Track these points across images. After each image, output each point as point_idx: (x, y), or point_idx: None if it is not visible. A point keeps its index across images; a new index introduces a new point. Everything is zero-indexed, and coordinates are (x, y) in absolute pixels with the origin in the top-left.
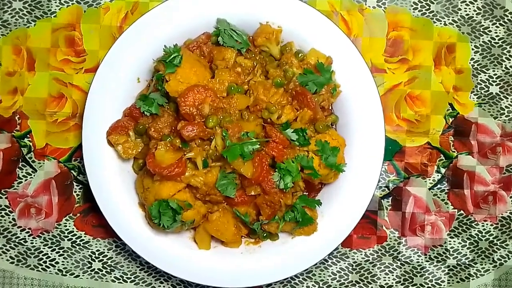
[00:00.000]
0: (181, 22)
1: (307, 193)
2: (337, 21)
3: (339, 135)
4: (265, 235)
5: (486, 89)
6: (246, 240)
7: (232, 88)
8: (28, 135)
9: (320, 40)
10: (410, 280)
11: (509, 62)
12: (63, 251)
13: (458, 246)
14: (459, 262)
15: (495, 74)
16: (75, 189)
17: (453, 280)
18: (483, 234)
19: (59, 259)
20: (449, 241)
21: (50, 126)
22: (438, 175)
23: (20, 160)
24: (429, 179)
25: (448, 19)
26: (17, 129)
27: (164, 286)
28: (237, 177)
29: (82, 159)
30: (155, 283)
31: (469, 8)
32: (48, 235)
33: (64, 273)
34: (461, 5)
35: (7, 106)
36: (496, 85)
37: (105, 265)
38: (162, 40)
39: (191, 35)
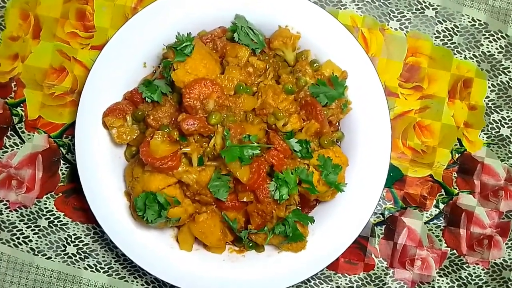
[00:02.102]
0: (198, 12)
1: (300, 208)
2: (356, 37)
3: (343, 153)
4: (251, 245)
5: (497, 130)
6: (230, 248)
7: (241, 87)
8: (21, 104)
9: (338, 53)
10: None
11: None
12: (38, 230)
13: (445, 286)
14: None
15: (508, 116)
16: (62, 167)
17: None
18: (473, 277)
19: (33, 237)
20: (438, 279)
21: (46, 99)
22: (436, 210)
23: (9, 129)
24: (426, 213)
25: (469, 53)
26: (12, 96)
27: (137, 282)
28: (232, 180)
29: (73, 137)
30: (128, 277)
31: (492, 46)
32: (26, 211)
33: (36, 252)
34: (484, 41)
35: (5, 71)
36: (508, 127)
37: (79, 251)
38: (175, 28)
39: (206, 27)
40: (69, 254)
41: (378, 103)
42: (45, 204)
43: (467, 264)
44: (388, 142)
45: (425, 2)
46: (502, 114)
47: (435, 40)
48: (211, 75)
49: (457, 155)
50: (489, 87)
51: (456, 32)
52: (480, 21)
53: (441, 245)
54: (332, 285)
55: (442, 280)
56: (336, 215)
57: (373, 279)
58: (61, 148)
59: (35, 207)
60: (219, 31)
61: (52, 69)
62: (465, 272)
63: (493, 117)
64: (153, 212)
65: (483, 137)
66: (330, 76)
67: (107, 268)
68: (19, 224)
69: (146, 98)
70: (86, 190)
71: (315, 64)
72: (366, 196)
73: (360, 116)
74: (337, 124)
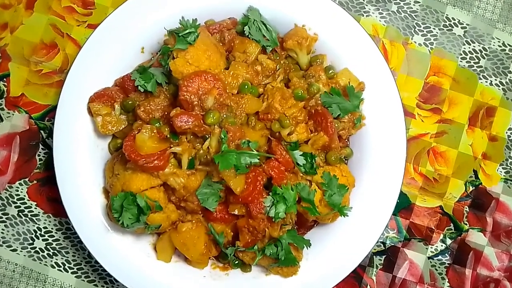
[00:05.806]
0: None
1: (296, 228)
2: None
3: (350, 173)
4: (236, 263)
5: None
6: (214, 263)
7: (246, 86)
8: (4, 79)
9: (357, 62)
10: None
11: None
12: (6, 218)
13: None
14: None
15: None
16: (40, 152)
17: None
18: None
19: None
20: None
21: (32, 76)
22: (442, 245)
23: None
24: (431, 247)
25: (495, 80)
26: None
27: None
28: (223, 189)
29: None
30: (98, 282)
31: None
32: None
33: (1, 242)
34: None
35: None
36: None
37: (48, 246)
38: (181, 13)
39: (215, 16)
40: (37, 249)
41: (395, 122)
42: (17, 191)
43: None
44: (401, 167)
45: (454, 20)
46: None
47: (460, 61)
48: (214, 69)
49: (471, 188)
50: None
51: (484, 55)
52: (511, 46)
53: (443, 283)
54: None
55: None
56: (334, 240)
57: None
58: (42, 132)
59: (6, 192)
60: (228, 22)
61: (43, 44)
62: None
63: None
64: (130, 216)
65: (501, 171)
66: (345, 86)
67: (76, 268)
68: None
69: (139, 87)
70: (59, 181)
71: (330, 71)
72: (370, 223)
73: (373, 134)
74: (346, 139)
